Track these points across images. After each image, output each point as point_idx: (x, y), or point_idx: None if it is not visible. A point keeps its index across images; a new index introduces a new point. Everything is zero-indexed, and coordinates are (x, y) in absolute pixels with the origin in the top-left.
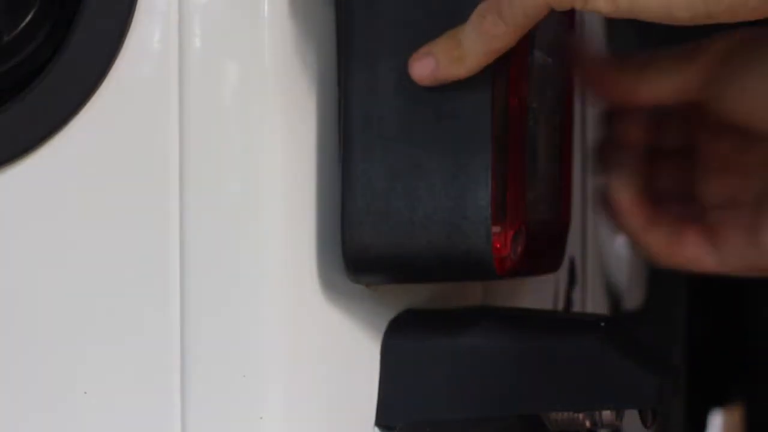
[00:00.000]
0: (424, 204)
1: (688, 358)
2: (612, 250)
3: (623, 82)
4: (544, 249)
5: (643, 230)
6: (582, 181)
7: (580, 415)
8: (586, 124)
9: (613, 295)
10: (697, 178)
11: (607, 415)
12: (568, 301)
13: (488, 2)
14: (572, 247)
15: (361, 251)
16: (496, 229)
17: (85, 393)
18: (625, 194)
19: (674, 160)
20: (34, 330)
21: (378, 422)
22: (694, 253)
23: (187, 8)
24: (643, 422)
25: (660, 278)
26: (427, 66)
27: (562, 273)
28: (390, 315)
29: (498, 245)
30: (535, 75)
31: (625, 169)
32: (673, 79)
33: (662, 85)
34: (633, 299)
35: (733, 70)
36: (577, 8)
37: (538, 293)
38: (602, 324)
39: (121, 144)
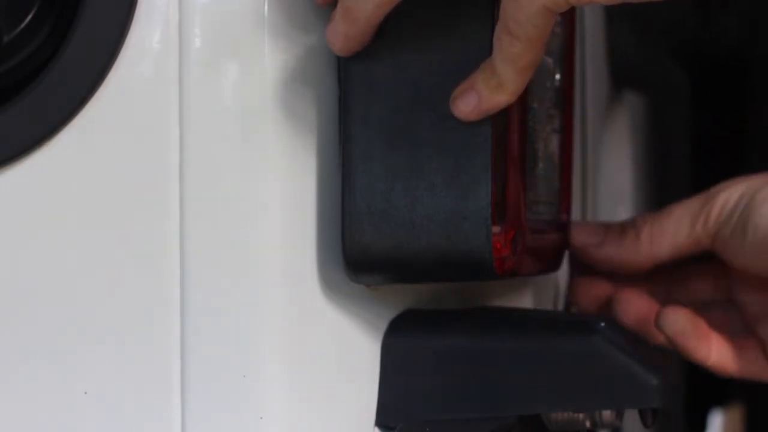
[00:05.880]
0: (424, 204)
1: None
2: None
3: (627, 248)
4: (544, 249)
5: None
6: (582, 181)
7: (580, 415)
8: (586, 125)
9: None
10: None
11: (607, 415)
12: (568, 301)
13: (500, 23)
14: None
15: (361, 251)
16: (496, 229)
17: (85, 393)
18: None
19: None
20: (34, 330)
21: (378, 422)
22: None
23: (187, 8)
24: (643, 422)
25: None
26: (471, 101)
27: (562, 273)
28: (390, 315)
29: (498, 245)
30: (535, 75)
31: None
32: (679, 240)
33: (669, 246)
34: None
35: (732, 222)
36: (573, 4)
37: (538, 293)
38: (602, 324)
39: (121, 144)
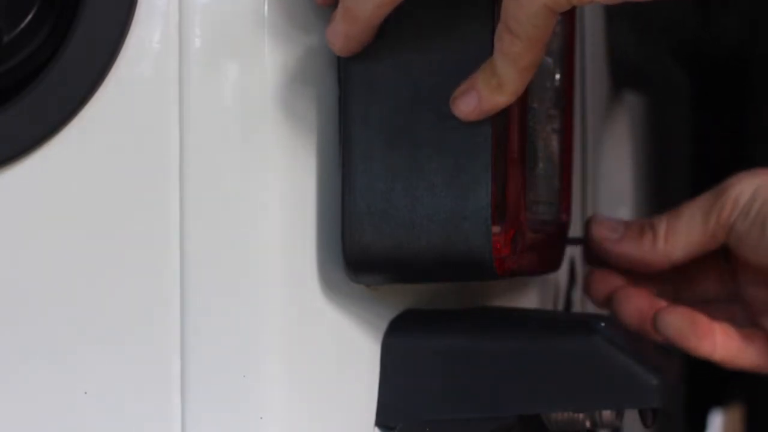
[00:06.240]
0: (424, 204)
1: (688, 357)
2: None
3: (644, 247)
4: (544, 249)
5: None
6: (582, 181)
7: (580, 415)
8: (586, 125)
9: None
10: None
11: (607, 415)
12: (568, 301)
13: (500, 23)
14: (572, 247)
15: (361, 251)
16: (496, 229)
17: (85, 393)
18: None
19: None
20: (34, 330)
21: (378, 422)
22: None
23: (187, 8)
24: (643, 422)
25: None
26: (471, 101)
27: (562, 273)
28: (390, 315)
29: (498, 245)
30: (535, 75)
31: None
32: (693, 237)
33: (683, 244)
34: None
35: (750, 217)
36: (575, 4)
37: (538, 293)
38: (602, 324)
39: (121, 144)
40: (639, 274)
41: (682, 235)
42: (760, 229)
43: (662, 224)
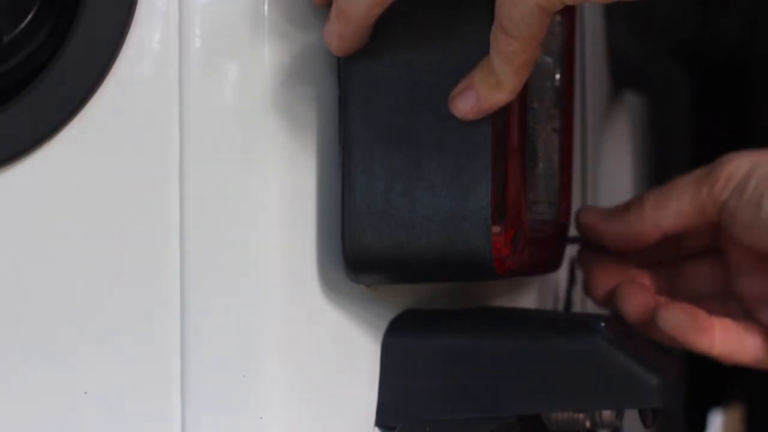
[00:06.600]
0: (424, 204)
1: (688, 357)
2: None
3: (632, 219)
4: (544, 249)
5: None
6: (582, 181)
7: (580, 415)
8: (586, 125)
9: None
10: (732, 277)
11: (607, 415)
12: (568, 301)
13: (495, 22)
14: (572, 247)
15: (361, 251)
16: (496, 229)
17: (85, 393)
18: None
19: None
20: (34, 330)
21: (378, 422)
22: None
23: (187, 8)
24: (643, 422)
25: None
26: (469, 100)
27: (562, 273)
28: (390, 315)
29: (498, 245)
30: (535, 75)
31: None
32: (683, 207)
33: (674, 213)
34: None
35: (746, 195)
36: (568, 3)
37: (538, 293)
38: (602, 324)
39: (121, 144)
40: (634, 273)
41: (672, 202)
42: (755, 207)
43: (650, 195)
